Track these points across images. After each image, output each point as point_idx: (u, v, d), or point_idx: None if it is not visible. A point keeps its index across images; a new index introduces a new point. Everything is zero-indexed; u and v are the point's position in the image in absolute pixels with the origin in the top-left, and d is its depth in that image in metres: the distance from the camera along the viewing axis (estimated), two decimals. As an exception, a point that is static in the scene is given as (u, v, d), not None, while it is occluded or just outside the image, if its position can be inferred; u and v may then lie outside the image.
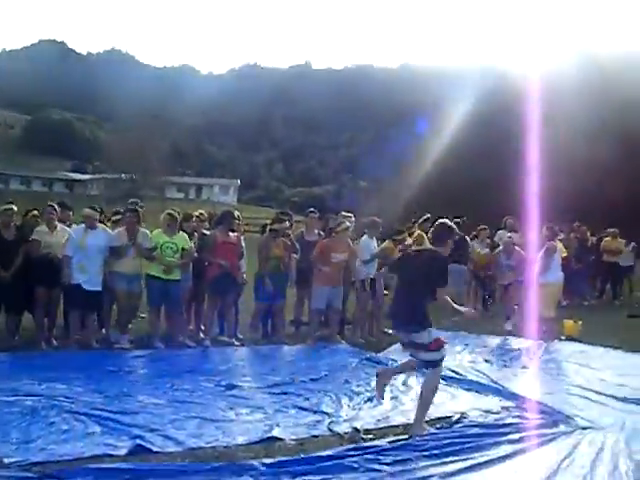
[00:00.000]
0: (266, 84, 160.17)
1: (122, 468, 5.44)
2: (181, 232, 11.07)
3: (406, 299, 6.82)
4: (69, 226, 10.97)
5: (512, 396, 8.29)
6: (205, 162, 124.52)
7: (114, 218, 11.77)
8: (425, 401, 6.76)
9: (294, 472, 5.56)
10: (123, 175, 79.63)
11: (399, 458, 5.96)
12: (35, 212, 11.12)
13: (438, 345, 6.68)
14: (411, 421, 7.00)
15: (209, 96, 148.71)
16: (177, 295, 10.95)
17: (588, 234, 19.35)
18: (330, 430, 6.80)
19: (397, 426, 7.07)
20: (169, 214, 11.05)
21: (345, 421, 7.13)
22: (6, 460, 5.50)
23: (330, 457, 5.90)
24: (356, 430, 6.82)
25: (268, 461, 5.75)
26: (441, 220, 7.38)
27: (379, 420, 7.26)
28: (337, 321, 12.13)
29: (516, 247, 14.11)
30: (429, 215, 13.88)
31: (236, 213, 12.33)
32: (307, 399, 7.88)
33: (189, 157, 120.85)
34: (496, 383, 8.83)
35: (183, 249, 10.91)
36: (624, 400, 8.26)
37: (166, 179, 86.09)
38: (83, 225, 10.63)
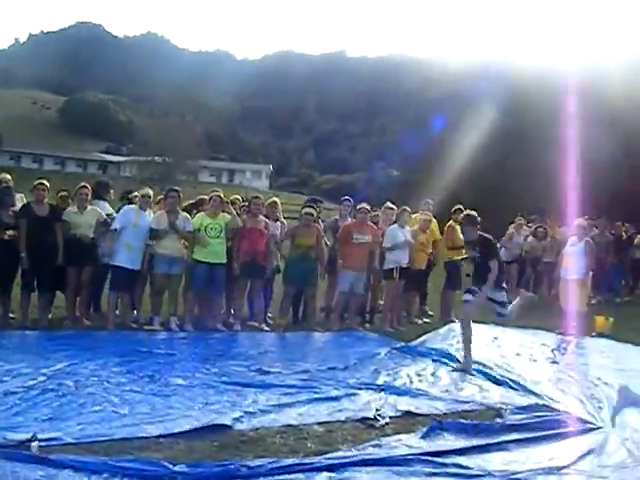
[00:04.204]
0: (300, 71, 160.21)
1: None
2: (223, 213, 11.13)
3: None
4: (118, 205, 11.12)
5: (539, 392, 8.18)
6: (238, 147, 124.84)
7: (158, 198, 11.88)
8: None
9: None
10: (156, 158, 79.89)
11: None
12: (64, 193, 11.20)
13: None
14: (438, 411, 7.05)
15: (243, 81, 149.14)
16: (220, 279, 11.05)
17: (623, 230, 19.20)
18: (359, 420, 6.77)
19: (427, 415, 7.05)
20: (216, 196, 11.16)
21: (375, 410, 7.09)
22: (40, 436, 5.52)
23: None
24: (379, 418, 6.79)
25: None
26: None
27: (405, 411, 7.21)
28: (358, 307, 12.20)
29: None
30: (461, 206, 13.84)
31: (275, 200, 12.42)
32: (336, 389, 7.87)
33: (222, 142, 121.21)
34: (524, 378, 8.73)
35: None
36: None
37: (199, 163, 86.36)
38: (134, 205, 10.74)
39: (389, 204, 13.06)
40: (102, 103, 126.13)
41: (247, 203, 12.02)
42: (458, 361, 9.40)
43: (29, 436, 5.44)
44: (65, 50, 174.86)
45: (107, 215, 10.83)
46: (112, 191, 11.88)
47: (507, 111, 51.39)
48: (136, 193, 11.20)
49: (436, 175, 48.38)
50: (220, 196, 11.26)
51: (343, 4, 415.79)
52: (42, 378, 7.37)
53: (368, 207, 12.18)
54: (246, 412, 6.67)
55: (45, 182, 10.54)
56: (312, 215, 11.67)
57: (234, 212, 11.31)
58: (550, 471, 5.67)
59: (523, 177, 44.82)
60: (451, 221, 13.43)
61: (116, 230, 10.40)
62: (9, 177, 11.02)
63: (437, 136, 55.69)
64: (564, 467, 5.78)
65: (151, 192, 10.95)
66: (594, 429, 6.83)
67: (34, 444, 5.31)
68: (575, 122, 36.01)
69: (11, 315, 10.57)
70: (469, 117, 53.61)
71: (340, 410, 7.02)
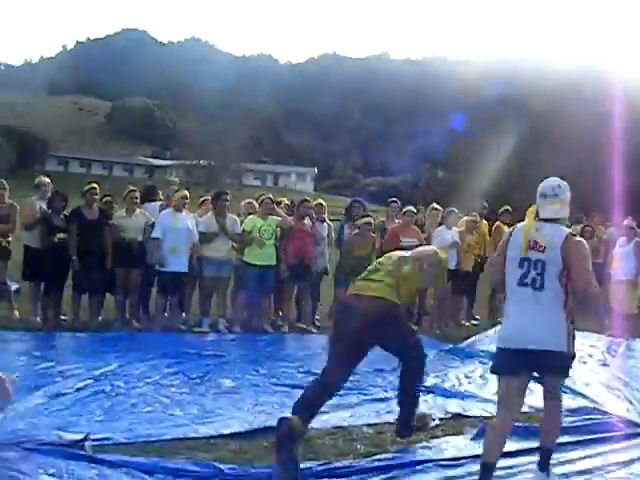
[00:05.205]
0: (344, 73, 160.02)
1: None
2: (271, 216, 11.17)
3: None
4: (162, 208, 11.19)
5: (589, 395, 8.09)
6: (282, 150, 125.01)
7: (201, 200, 11.96)
8: None
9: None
10: (202, 161, 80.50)
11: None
12: (109, 198, 11.32)
13: None
14: (488, 414, 7.01)
15: (287, 85, 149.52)
16: (270, 282, 11.09)
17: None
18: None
19: (476, 417, 7.03)
20: (268, 198, 11.29)
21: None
22: (92, 436, 5.60)
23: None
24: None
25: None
26: None
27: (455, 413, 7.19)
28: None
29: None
30: (508, 207, 13.74)
31: (321, 202, 12.41)
32: (385, 390, 7.86)
33: (267, 145, 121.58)
34: (574, 381, 8.61)
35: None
36: None
37: (244, 166, 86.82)
38: (169, 209, 10.80)
39: (435, 205, 12.99)
40: (148, 108, 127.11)
41: (293, 205, 12.11)
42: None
43: (82, 436, 5.51)
44: (111, 56, 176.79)
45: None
46: (160, 192, 12.03)
47: (551, 112, 50.96)
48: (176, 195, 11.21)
49: (482, 176, 48.10)
50: (271, 198, 11.35)
51: (386, 6, 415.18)
52: (93, 379, 7.48)
53: (414, 209, 12.15)
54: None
55: (96, 186, 10.70)
56: (371, 225, 11.52)
57: (282, 213, 11.37)
58: (601, 474, 5.63)
59: (568, 178, 44.51)
60: (498, 222, 13.34)
61: (158, 239, 10.46)
62: (48, 180, 11.18)
63: (482, 137, 55.26)
64: (615, 471, 5.74)
65: (187, 193, 11.01)
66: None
67: (87, 444, 5.37)
68: (618, 122, 35.68)
69: (62, 317, 10.73)
70: (514, 118, 53.25)
71: (389, 411, 6.99)
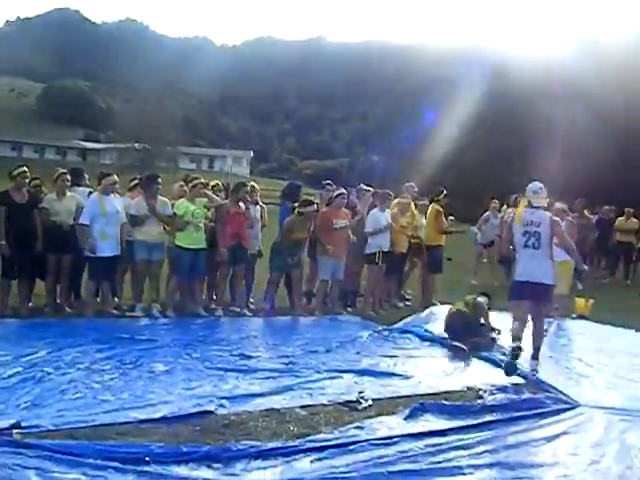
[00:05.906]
0: (280, 56, 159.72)
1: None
2: (199, 199, 11.04)
3: None
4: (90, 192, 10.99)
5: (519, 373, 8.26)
6: (218, 133, 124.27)
7: (131, 185, 11.77)
8: None
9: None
10: (136, 145, 79.44)
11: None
12: (37, 181, 11.07)
13: None
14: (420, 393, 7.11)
15: (223, 67, 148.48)
16: (203, 265, 10.99)
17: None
18: (341, 403, 6.79)
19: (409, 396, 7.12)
20: (200, 183, 11.10)
21: (358, 392, 7.11)
22: (24, 424, 5.51)
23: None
24: (361, 401, 6.83)
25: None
26: None
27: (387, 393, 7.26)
28: (337, 293, 12.18)
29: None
30: (444, 190, 13.80)
31: (253, 184, 12.36)
32: (318, 372, 7.89)
33: (202, 128, 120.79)
34: (502, 358, 8.80)
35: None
36: (633, 380, 8.44)
37: (179, 149, 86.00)
38: (95, 193, 10.62)
39: (363, 186, 13.05)
40: (81, 90, 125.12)
41: (226, 187, 12.08)
42: (441, 343, 9.54)
43: (10, 423, 5.42)
44: (43, 37, 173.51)
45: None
46: (87, 176, 11.82)
47: (487, 96, 51.59)
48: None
49: (418, 160, 48.50)
50: (202, 182, 11.20)
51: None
52: (23, 366, 7.31)
53: (345, 192, 12.18)
54: (228, 397, 6.68)
55: (26, 169, 10.44)
56: (316, 212, 11.64)
57: (210, 193, 11.25)
58: (528, 449, 5.80)
59: (504, 161, 45.13)
60: (436, 205, 13.30)
61: (87, 225, 10.25)
62: None
63: (418, 121, 55.66)
64: (542, 445, 5.93)
65: (117, 178, 10.81)
66: (571, 408, 6.94)
67: (15, 431, 5.29)
68: (557, 107, 36.24)
69: (-9, 304, 10.48)
70: (450, 102, 53.74)
71: (322, 393, 7.05)
